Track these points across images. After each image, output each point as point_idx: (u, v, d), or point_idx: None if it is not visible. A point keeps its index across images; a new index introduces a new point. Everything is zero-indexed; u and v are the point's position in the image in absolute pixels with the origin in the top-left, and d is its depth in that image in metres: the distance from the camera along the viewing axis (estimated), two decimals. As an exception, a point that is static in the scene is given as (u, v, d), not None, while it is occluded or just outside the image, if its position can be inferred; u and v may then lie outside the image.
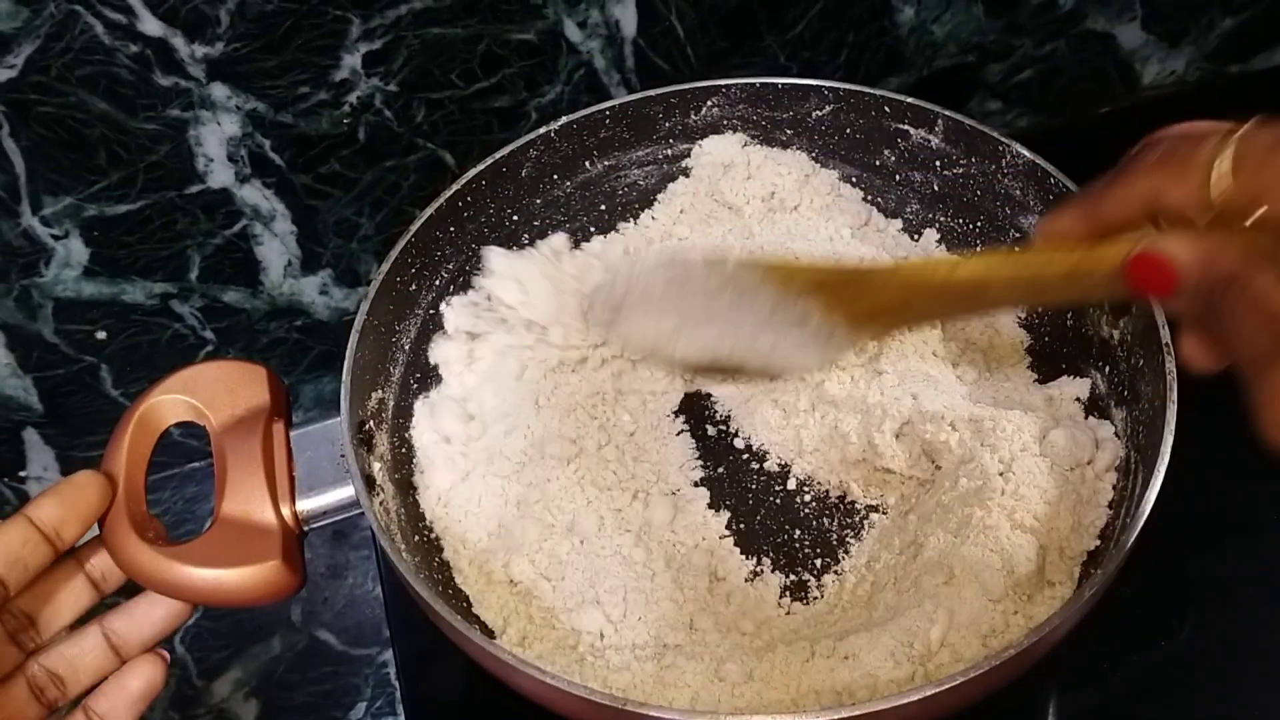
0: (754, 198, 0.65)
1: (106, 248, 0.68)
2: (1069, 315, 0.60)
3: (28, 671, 0.45)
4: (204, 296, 0.72)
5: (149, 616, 0.47)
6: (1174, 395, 0.49)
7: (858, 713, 0.41)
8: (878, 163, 0.66)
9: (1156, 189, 0.39)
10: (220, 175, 0.67)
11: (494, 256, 0.60)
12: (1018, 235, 0.62)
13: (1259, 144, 0.36)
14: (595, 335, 0.60)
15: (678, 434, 0.60)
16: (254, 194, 0.69)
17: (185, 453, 0.79)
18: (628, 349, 0.59)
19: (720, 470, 0.59)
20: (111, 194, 0.66)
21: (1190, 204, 0.38)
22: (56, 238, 0.67)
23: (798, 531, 0.56)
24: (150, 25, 0.60)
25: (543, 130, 0.63)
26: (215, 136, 0.66)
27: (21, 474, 0.76)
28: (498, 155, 0.62)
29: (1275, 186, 0.35)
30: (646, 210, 0.67)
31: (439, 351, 0.61)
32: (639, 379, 0.61)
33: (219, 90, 0.64)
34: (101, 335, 0.72)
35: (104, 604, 0.62)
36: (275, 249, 0.72)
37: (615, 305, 0.52)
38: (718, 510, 0.57)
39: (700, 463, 0.59)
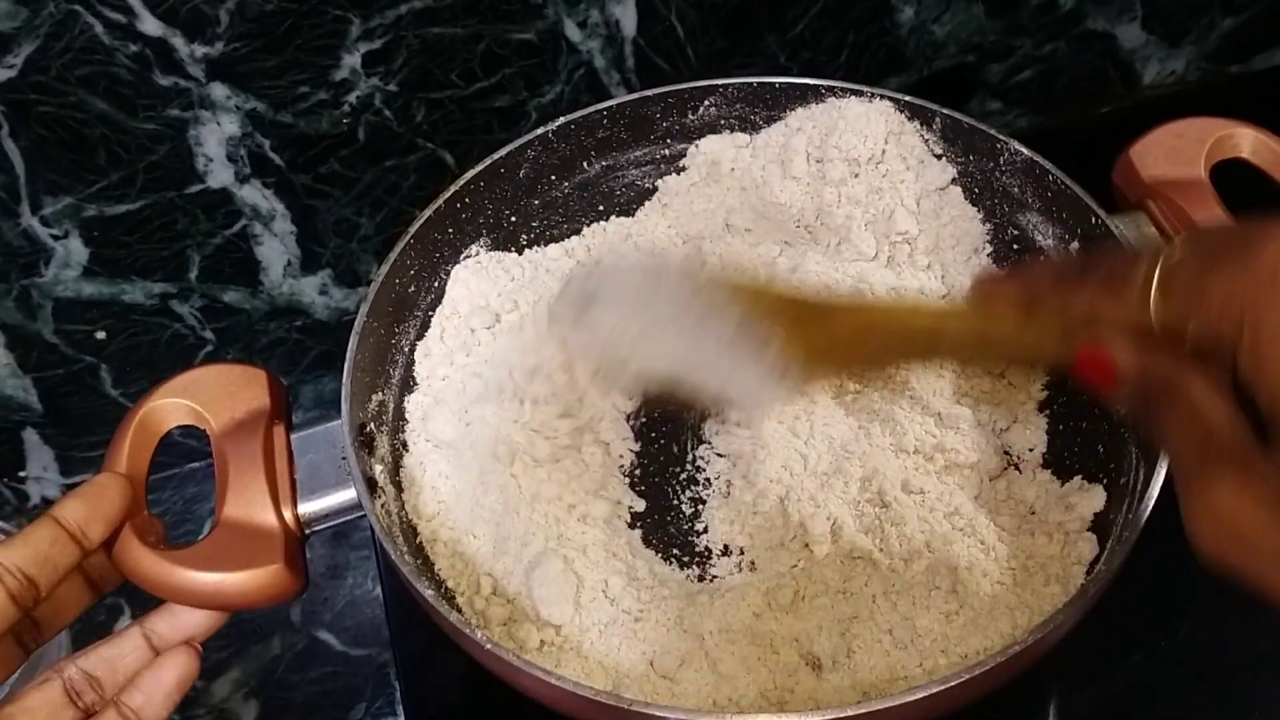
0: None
1: (106, 248, 0.68)
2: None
3: (65, 674, 0.44)
4: (204, 296, 0.72)
5: (190, 616, 0.47)
6: (1175, 393, 0.49)
7: (858, 712, 0.41)
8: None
9: (1099, 309, 0.40)
10: (220, 175, 0.67)
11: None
12: (1016, 232, 0.62)
13: (1188, 267, 0.37)
14: (552, 339, 0.56)
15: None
16: (254, 194, 0.69)
17: (185, 453, 0.79)
18: (586, 355, 0.53)
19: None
20: (111, 194, 0.66)
21: (1132, 325, 0.39)
22: (56, 238, 0.66)
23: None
24: (150, 25, 0.60)
25: (540, 131, 0.63)
26: (215, 136, 0.66)
27: (21, 474, 0.76)
28: (495, 156, 0.62)
29: (1202, 310, 0.36)
30: (642, 210, 0.67)
31: (432, 349, 0.61)
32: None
33: (219, 90, 0.64)
34: (101, 335, 0.72)
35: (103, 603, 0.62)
36: (275, 249, 0.72)
37: (586, 299, 0.49)
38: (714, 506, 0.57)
39: (703, 469, 0.59)
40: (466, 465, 0.56)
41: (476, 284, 0.62)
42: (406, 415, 0.59)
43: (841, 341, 0.49)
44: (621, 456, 0.59)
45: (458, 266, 0.62)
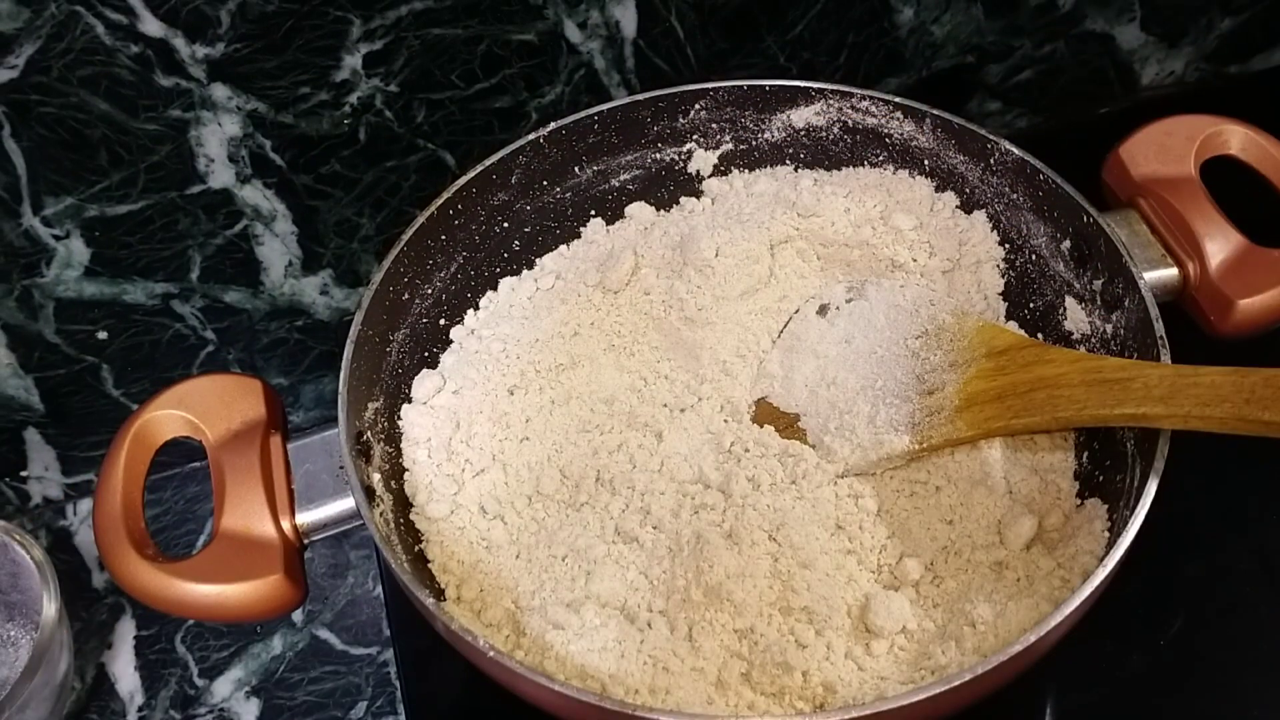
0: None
1: (108, 248, 0.68)
2: (1061, 310, 0.59)
3: None
4: (205, 297, 0.72)
5: None
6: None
7: (859, 713, 0.42)
8: (867, 163, 0.66)
9: None
10: (221, 175, 0.67)
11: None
12: (1008, 231, 0.62)
13: None
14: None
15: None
16: (255, 194, 0.69)
17: (186, 451, 0.79)
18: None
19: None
20: (113, 194, 0.66)
21: None
22: (58, 238, 0.67)
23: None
24: (151, 26, 0.60)
25: (531, 137, 0.63)
26: (216, 137, 0.66)
27: (23, 474, 0.76)
28: (487, 163, 0.62)
29: None
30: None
31: (430, 357, 0.61)
32: (630, 386, 0.61)
33: (220, 91, 0.64)
34: (103, 335, 0.72)
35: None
36: (276, 249, 0.72)
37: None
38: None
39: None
40: (465, 470, 0.57)
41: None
42: (403, 423, 0.59)
43: (1018, 385, 0.51)
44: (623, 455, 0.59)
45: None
